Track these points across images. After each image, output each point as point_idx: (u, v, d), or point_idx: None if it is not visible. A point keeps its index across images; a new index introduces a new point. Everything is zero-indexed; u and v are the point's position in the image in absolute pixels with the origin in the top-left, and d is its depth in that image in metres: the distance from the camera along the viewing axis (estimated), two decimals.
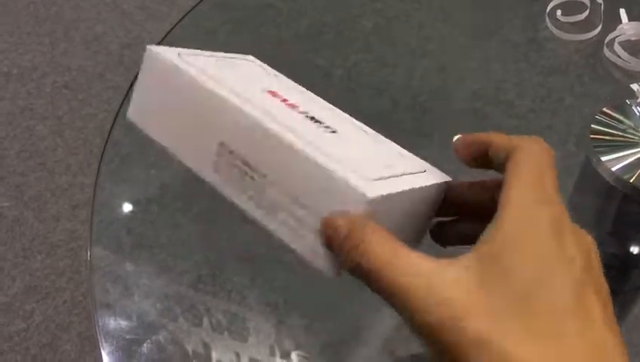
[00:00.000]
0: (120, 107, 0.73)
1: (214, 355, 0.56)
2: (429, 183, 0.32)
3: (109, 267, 0.61)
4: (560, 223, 0.27)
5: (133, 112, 0.35)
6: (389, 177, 0.31)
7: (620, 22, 0.80)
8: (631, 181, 0.48)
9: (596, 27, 0.79)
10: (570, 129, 0.71)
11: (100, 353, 0.55)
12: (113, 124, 0.71)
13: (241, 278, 0.61)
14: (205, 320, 0.58)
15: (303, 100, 0.37)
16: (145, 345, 0.56)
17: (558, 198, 0.28)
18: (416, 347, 0.57)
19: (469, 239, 0.28)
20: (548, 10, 0.81)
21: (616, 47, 0.76)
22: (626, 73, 0.75)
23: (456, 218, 0.35)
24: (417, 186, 0.31)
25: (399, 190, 0.30)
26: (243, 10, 0.86)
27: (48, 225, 1.46)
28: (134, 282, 0.60)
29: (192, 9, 0.84)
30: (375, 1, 0.87)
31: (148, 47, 0.34)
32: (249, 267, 0.61)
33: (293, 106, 0.35)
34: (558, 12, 0.81)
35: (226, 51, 0.40)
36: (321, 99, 0.40)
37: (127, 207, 0.67)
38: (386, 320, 0.57)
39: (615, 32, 0.78)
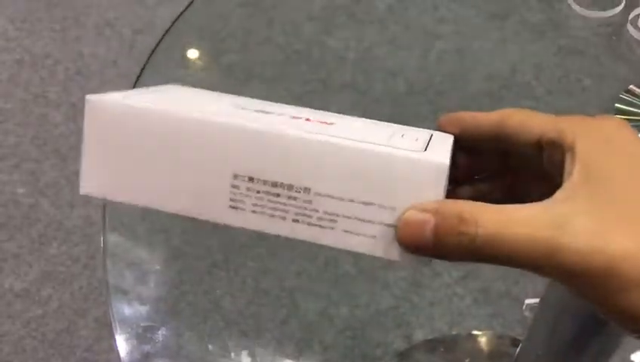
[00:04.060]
0: None
1: (230, 340, 0.56)
2: (450, 138, 0.29)
3: (124, 253, 0.61)
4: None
5: (87, 183, 0.29)
6: (429, 147, 0.27)
7: None
8: None
9: (619, 4, 0.77)
10: (587, 111, 0.69)
11: (115, 340, 0.55)
12: None
13: (255, 263, 0.60)
14: (220, 306, 0.58)
15: (271, 107, 0.32)
16: (160, 331, 0.56)
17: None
18: (432, 332, 0.56)
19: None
20: None
21: None
22: None
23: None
24: (451, 141, 0.29)
25: (448, 151, 0.27)
26: None
27: (63, 212, 1.46)
28: (149, 268, 0.60)
29: None
30: None
31: (87, 97, 0.28)
32: (263, 252, 0.61)
33: (273, 113, 0.30)
34: None
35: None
36: (277, 105, 0.34)
37: None
38: (402, 304, 0.57)
39: (639, 9, 0.76)
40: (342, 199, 0.26)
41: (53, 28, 1.83)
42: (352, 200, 0.26)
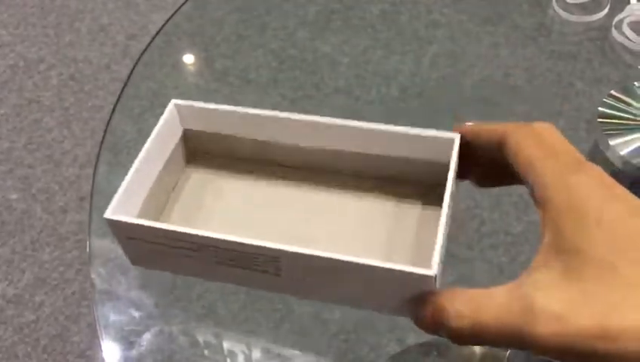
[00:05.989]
0: (119, 97, 0.73)
1: (225, 345, 0.55)
2: (445, 217, 0.31)
3: (116, 258, 0.61)
4: (605, 181, 0.27)
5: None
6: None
7: (628, 2, 0.79)
8: None
9: (604, 8, 0.78)
10: (580, 114, 0.70)
11: (100, 344, 0.55)
12: (112, 113, 0.71)
13: None
14: (214, 311, 0.58)
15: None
16: (153, 336, 0.56)
17: (583, 159, 0.28)
18: (425, 335, 0.56)
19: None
20: None
21: (625, 29, 0.75)
22: (635, 55, 0.74)
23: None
24: (444, 232, 0.30)
25: (441, 251, 0.30)
26: None
27: (56, 217, 1.46)
28: (140, 272, 0.60)
29: None
30: None
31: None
32: None
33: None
34: None
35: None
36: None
37: None
38: None
39: (623, 13, 0.77)
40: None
41: (47, 33, 1.83)
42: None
